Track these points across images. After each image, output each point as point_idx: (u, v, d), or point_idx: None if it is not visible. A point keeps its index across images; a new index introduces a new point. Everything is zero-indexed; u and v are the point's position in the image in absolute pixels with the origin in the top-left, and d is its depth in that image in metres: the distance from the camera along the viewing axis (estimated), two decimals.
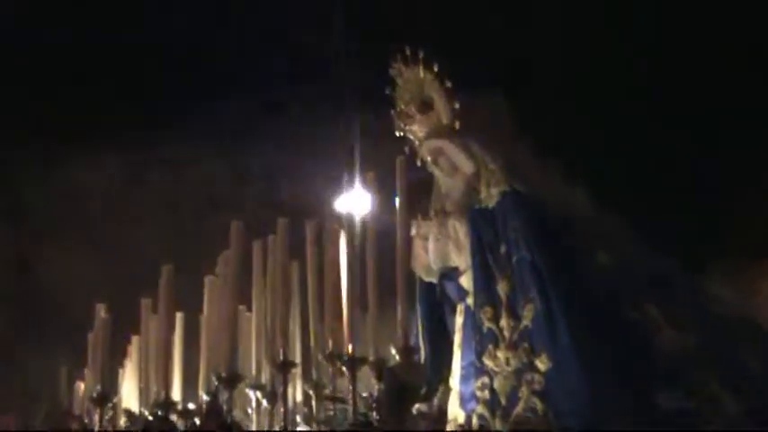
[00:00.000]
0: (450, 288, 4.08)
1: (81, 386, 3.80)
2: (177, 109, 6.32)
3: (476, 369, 3.79)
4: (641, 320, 3.78)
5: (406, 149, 4.15)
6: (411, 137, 4.17)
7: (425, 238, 4.04)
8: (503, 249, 3.86)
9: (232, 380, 3.16)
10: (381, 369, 3.33)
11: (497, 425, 3.66)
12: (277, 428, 3.38)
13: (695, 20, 5.80)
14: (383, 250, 3.57)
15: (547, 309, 3.71)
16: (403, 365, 3.33)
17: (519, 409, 3.66)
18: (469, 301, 3.94)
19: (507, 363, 3.74)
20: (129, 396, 3.72)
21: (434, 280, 4.09)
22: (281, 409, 3.39)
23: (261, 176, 6.64)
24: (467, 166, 4.04)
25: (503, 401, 3.70)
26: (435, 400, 3.70)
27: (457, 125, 4.07)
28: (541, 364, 3.69)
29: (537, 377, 3.68)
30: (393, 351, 3.39)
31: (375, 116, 4.51)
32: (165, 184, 6.66)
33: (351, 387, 3.26)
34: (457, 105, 4.07)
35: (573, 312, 3.68)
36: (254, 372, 3.50)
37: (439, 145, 4.08)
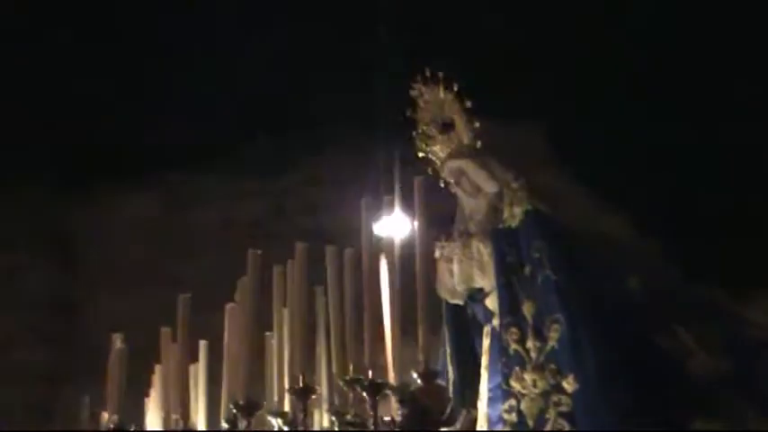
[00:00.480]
0: (476, 310, 4.04)
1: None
2: (220, 144, 6.35)
3: (503, 391, 3.75)
4: (673, 345, 3.71)
5: (429, 170, 4.14)
6: (433, 158, 4.15)
7: (450, 260, 4.01)
8: (527, 270, 3.82)
9: (249, 408, 3.13)
10: (404, 394, 3.28)
11: None
12: None
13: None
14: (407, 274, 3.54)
15: (572, 329, 3.65)
16: (425, 390, 3.28)
17: (546, 431, 3.61)
18: (495, 322, 3.89)
19: (534, 385, 3.70)
20: (153, 425, 3.70)
21: (460, 302, 4.06)
22: None
23: (302, 205, 6.64)
24: (489, 186, 4.00)
25: (530, 424, 3.66)
26: (458, 425, 3.65)
27: (478, 145, 4.04)
28: (568, 385, 3.64)
29: (564, 399, 3.63)
30: (414, 375, 3.34)
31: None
32: (208, 218, 6.67)
33: (372, 412, 3.22)
34: (477, 125, 4.04)
35: (598, 334, 3.63)
36: (276, 398, 3.48)
37: (460, 165, 4.05)
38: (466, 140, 4.06)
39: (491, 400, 3.80)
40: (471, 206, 4.05)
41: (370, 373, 3.25)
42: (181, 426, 3.27)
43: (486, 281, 3.94)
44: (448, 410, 3.28)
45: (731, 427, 3.56)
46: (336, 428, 3.42)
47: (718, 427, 3.54)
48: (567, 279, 3.71)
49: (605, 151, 5.61)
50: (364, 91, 5.75)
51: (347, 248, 3.50)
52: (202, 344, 3.80)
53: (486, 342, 3.95)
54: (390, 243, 3.48)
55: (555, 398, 3.64)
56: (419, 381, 3.30)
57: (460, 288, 3.99)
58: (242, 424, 3.19)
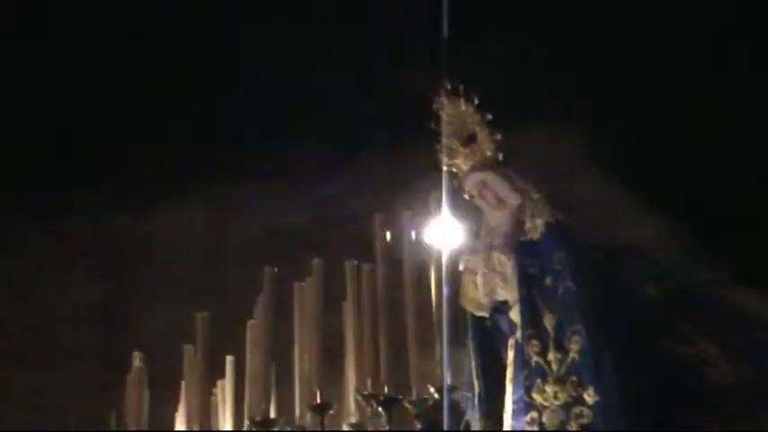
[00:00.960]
0: (501, 322, 4.05)
1: None
2: (265, 154, 6.38)
3: (525, 404, 3.75)
4: (693, 354, 3.70)
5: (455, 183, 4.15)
6: (456, 171, 4.16)
7: (474, 273, 4.02)
8: (548, 281, 3.82)
9: (265, 423, 3.18)
10: (419, 408, 3.31)
11: None
12: None
13: None
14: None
15: (592, 341, 3.66)
16: (440, 404, 3.31)
17: None
18: (518, 334, 3.90)
19: (555, 397, 3.70)
20: None
21: (485, 314, 4.07)
22: None
23: (346, 218, 6.65)
24: (511, 198, 4.01)
25: None
26: None
27: (500, 157, 4.05)
28: (589, 397, 3.64)
29: (585, 411, 3.63)
30: (432, 390, 3.37)
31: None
32: (250, 230, 6.72)
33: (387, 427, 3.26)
34: (499, 137, 4.05)
35: (618, 345, 3.62)
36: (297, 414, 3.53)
37: (483, 178, 4.06)
38: (488, 153, 4.08)
39: (515, 413, 3.80)
40: (494, 218, 4.06)
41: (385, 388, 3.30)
42: None
43: (509, 293, 3.94)
44: (462, 425, 3.31)
45: None
46: None
47: None
48: (587, 290, 3.72)
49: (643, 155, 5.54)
50: (410, 101, 5.76)
51: (365, 264, 3.54)
52: (229, 359, 3.87)
53: (510, 354, 3.96)
54: (437, 254, 3.54)
55: (576, 410, 3.64)
56: (436, 395, 3.34)
57: (485, 300, 4.01)
58: None
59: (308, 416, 3.41)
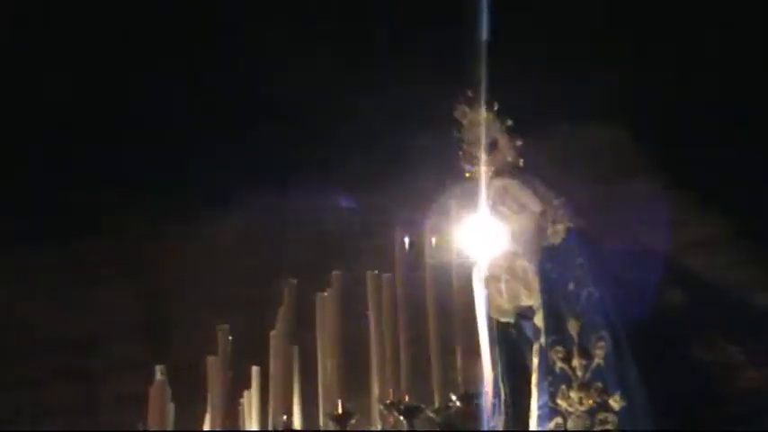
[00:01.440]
0: (526, 327, 4.05)
1: None
2: (309, 163, 6.40)
3: (550, 410, 3.75)
4: (720, 360, 3.67)
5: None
6: (477, 177, 4.16)
7: (498, 280, 4.03)
8: (571, 287, 3.82)
9: None
10: (440, 416, 3.32)
11: None
12: None
13: None
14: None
15: (616, 346, 3.65)
16: (461, 412, 3.31)
17: None
18: (542, 340, 3.90)
19: (580, 403, 3.69)
20: None
21: (511, 320, 4.07)
22: None
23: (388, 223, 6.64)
24: (533, 204, 4.01)
25: None
26: None
27: (521, 163, 4.06)
28: (614, 403, 3.63)
29: (610, 417, 3.62)
30: (453, 398, 3.38)
31: None
32: (292, 239, 6.74)
33: None
34: (519, 143, 4.06)
35: (643, 351, 3.61)
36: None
37: (505, 184, 4.07)
38: (509, 159, 4.09)
39: (539, 419, 3.80)
40: (516, 225, 4.06)
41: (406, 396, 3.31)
42: None
43: (533, 299, 3.95)
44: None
45: None
46: None
47: None
48: (610, 296, 3.71)
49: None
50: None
51: (385, 274, 3.56)
52: (255, 370, 3.90)
53: (535, 360, 3.96)
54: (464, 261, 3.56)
55: (601, 416, 3.63)
56: (458, 403, 3.35)
57: (509, 306, 4.02)
58: None
59: (330, 425, 3.42)
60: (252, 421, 3.84)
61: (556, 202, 3.93)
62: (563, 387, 3.72)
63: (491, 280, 4.03)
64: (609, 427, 3.60)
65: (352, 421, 3.37)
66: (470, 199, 4.09)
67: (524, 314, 4.03)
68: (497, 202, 4.07)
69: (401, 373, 3.35)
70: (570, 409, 3.69)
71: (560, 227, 3.90)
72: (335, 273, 3.49)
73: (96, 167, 6.14)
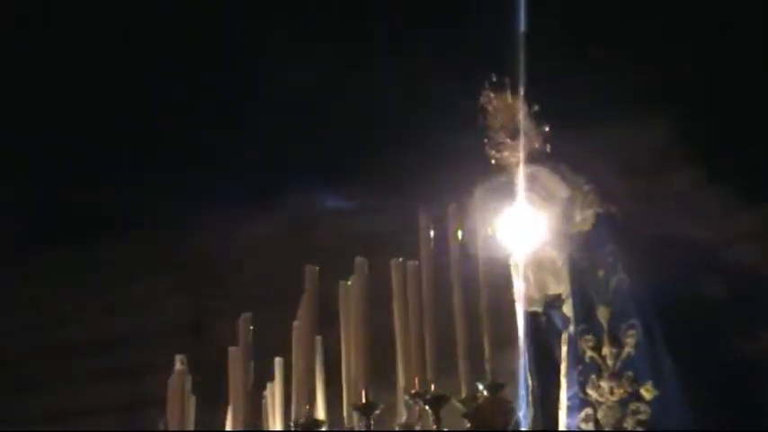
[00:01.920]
0: (555, 317, 3.97)
1: None
2: (350, 163, 6.35)
3: (580, 400, 3.67)
4: (755, 349, 3.58)
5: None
6: (505, 165, 4.08)
7: (526, 268, 3.94)
8: (601, 274, 3.73)
9: (309, 425, 3.13)
10: (468, 407, 3.23)
11: None
12: None
13: None
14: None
15: (648, 335, 3.56)
16: (489, 402, 3.22)
17: None
18: (571, 329, 3.81)
19: (611, 392, 3.61)
20: None
21: (538, 309, 3.99)
22: None
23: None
24: (561, 191, 3.93)
25: None
26: None
27: (548, 149, 3.97)
28: (646, 392, 3.54)
29: (642, 407, 3.53)
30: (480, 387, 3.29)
31: None
32: (327, 236, 6.68)
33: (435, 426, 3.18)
34: (547, 129, 3.97)
35: (675, 339, 3.52)
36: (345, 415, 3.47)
37: (532, 171, 3.98)
38: (536, 146, 4.00)
39: (569, 409, 3.71)
40: (545, 212, 3.98)
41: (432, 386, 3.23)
42: None
43: (561, 287, 3.86)
44: (512, 424, 3.22)
45: None
46: None
47: None
48: (641, 283, 3.62)
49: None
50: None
51: (410, 261, 3.48)
52: (278, 361, 3.83)
53: (564, 349, 3.87)
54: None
55: (633, 406, 3.54)
56: (485, 393, 3.26)
57: (537, 295, 3.93)
58: None
59: (355, 416, 3.35)
60: (275, 414, 3.77)
61: (585, 187, 3.85)
62: (593, 377, 3.65)
63: (519, 268, 3.96)
64: (641, 417, 3.51)
65: (377, 412, 3.29)
66: (500, 187, 4.02)
67: (552, 303, 3.95)
68: (526, 189, 4.00)
69: (427, 363, 3.26)
70: (601, 400, 3.61)
71: (590, 213, 3.81)
72: (358, 259, 3.41)
73: (96, 168, 6.15)
